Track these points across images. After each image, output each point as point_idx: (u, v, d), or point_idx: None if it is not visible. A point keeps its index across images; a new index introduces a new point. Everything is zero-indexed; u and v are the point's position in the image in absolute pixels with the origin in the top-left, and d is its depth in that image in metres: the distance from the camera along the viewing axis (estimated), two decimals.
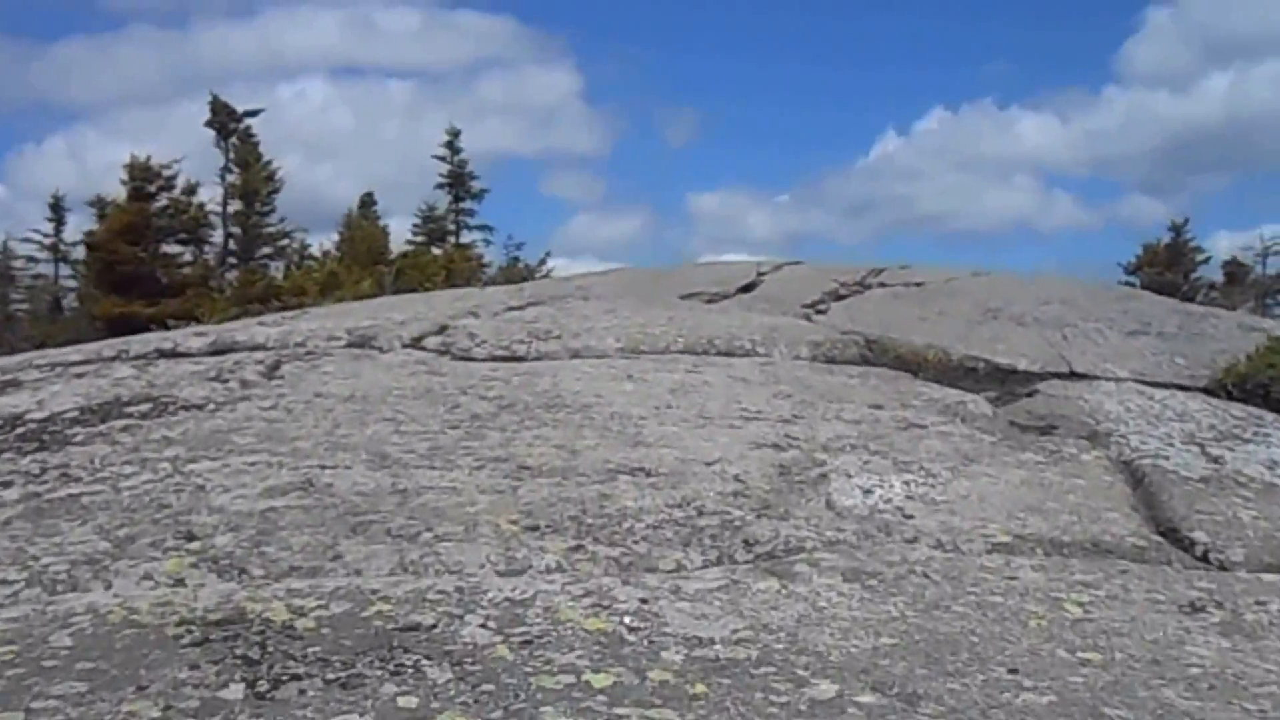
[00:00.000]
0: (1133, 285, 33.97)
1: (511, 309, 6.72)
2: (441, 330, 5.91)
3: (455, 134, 35.66)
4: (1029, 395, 5.09)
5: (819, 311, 6.85)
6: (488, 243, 35.35)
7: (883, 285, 8.06)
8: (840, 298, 7.66)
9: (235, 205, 22.96)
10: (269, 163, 23.57)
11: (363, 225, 24.06)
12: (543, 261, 32.58)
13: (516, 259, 33.60)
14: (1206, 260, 35.72)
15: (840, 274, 8.37)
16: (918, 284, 8.07)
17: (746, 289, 8.02)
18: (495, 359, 5.36)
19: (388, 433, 3.58)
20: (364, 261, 19.67)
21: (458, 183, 35.49)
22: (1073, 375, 5.47)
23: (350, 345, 5.70)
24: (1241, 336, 6.37)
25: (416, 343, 5.74)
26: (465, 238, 34.75)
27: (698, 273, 8.79)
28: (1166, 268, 33.67)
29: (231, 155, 22.33)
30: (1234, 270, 35.91)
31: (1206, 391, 5.30)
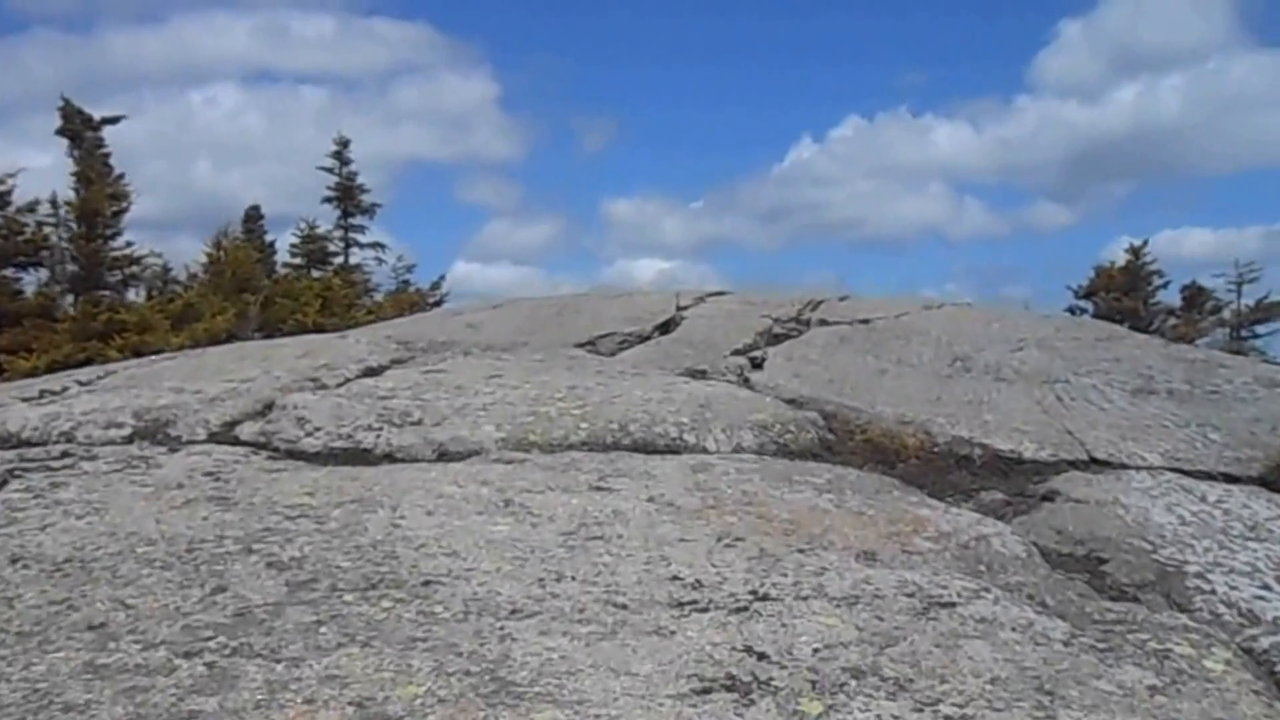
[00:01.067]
0: (1085, 311, 32.79)
1: (369, 371, 5.23)
2: (265, 411, 4.40)
3: (344, 143, 31.94)
4: (1046, 498, 3.84)
5: (756, 365, 5.54)
6: (380, 261, 32.08)
7: (824, 323, 6.81)
8: (777, 338, 6.39)
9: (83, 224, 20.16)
10: (120, 177, 20.58)
11: (236, 246, 21.47)
12: (436, 285, 30.05)
13: (407, 283, 31.37)
14: (1165, 285, 34.14)
15: (773, 307, 7.10)
16: (864, 321, 6.84)
17: (665, 328, 6.68)
18: (330, 457, 3.90)
19: (77, 665, 2.11)
20: (230, 289, 17.54)
21: (347, 196, 31.63)
22: (1093, 463, 4.25)
23: (135, 437, 4.17)
24: (1270, 396, 5.25)
25: (227, 431, 4.23)
26: (355, 257, 31.59)
27: (609, 307, 7.41)
28: (1125, 294, 32.75)
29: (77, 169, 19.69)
30: (1193, 295, 34.28)
31: (1264, 484, 4.13)
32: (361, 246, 31.67)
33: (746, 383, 5.17)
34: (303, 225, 30.86)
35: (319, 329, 13.70)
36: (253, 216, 31.09)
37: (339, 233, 31.34)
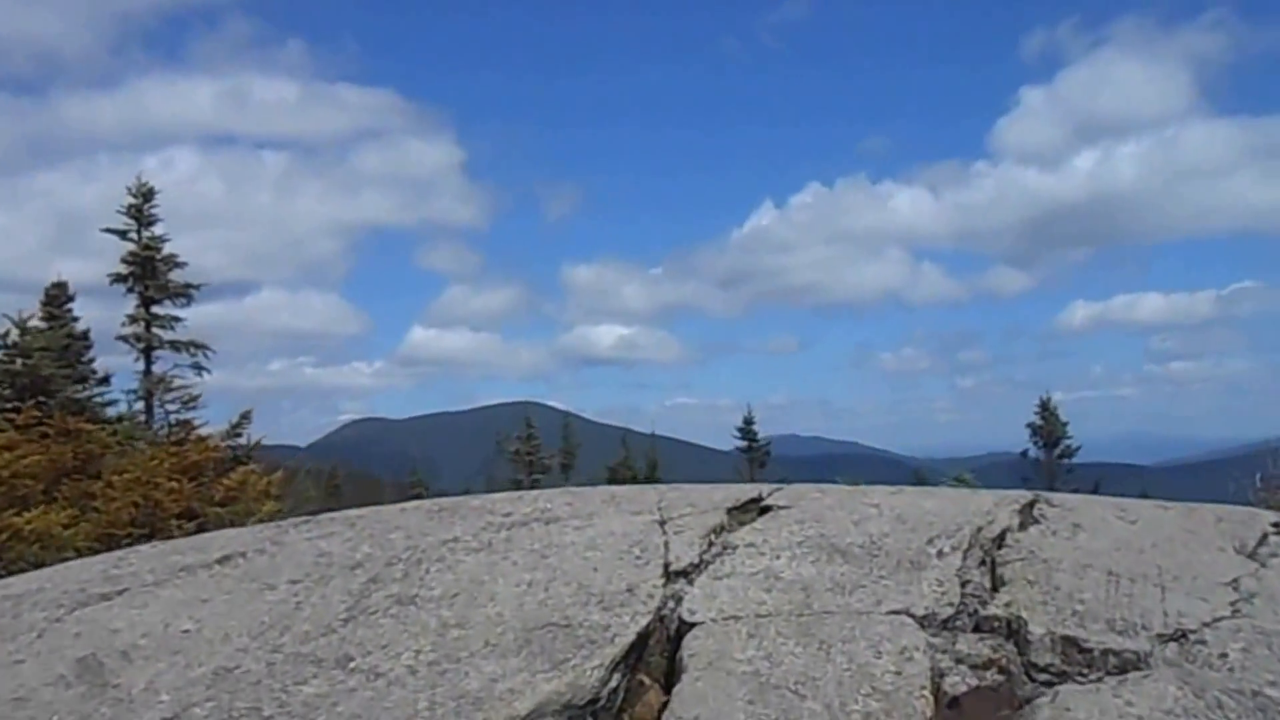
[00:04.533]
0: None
1: None
2: None
3: (146, 193, 21.25)
4: None
5: None
6: (200, 370, 20.45)
7: None
8: None
9: None
10: None
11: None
12: (237, 426, 15.68)
13: (187, 423, 17.94)
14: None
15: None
16: None
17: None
18: None
19: None
20: None
21: (148, 274, 20.73)
22: None
23: None
24: None
25: None
26: (164, 363, 20.25)
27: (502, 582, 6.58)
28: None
29: None
30: None
31: None
32: (169, 345, 20.66)
33: None
34: (10, 317, 17.61)
35: None
36: (55, 296, 19.84)
37: (135, 326, 20.66)
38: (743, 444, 41.88)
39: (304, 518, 5.61)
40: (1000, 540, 5.00)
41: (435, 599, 4.22)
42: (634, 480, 41.74)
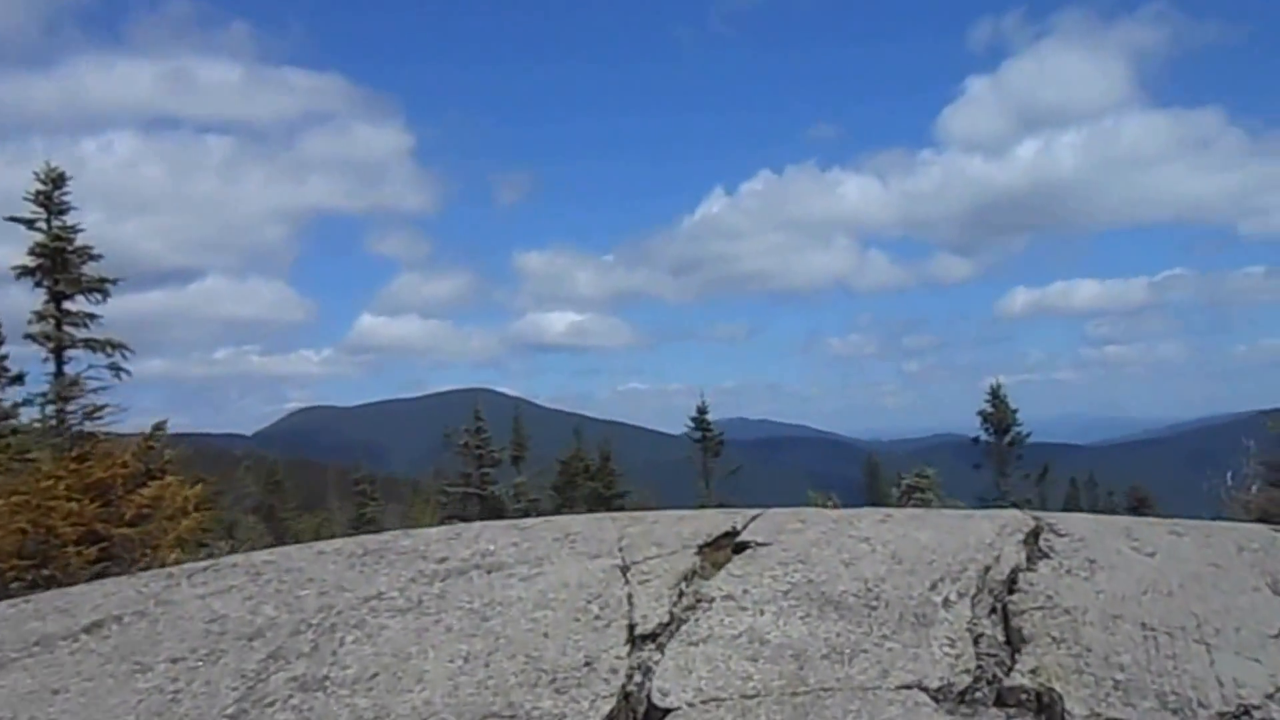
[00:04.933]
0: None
1: None
2: None
3: (56, 179, 19.30)
4: None
5: None
6: (117, 373, 18.52)
7: None
8: None
9: None
10: None
11: None
12: (155, 432, 13.06)
13: (83, 435, 16.48)
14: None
15: None
16: None
17: None
18: None
19: None
20: None
21: (58, 267, 18.76)
22: None
23: None
24: None
25: None
26: (77, 364, 18.50)
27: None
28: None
29: None
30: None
31: None
32: (81, 346, 18.63)
33: None
34: None
35: None
36: None
37: (44, 324, 18.54)
38: (696, 433, 41.16)
39: (204, 563, 4.80)
40: (1012, 582, 4.36)
41: (349, 682, 3.45)
42: (586, 473, 40.92)
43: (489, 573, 4.33)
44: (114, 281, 18.51)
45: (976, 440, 38.50)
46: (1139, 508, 46.45)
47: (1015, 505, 40.35)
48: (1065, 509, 48.74)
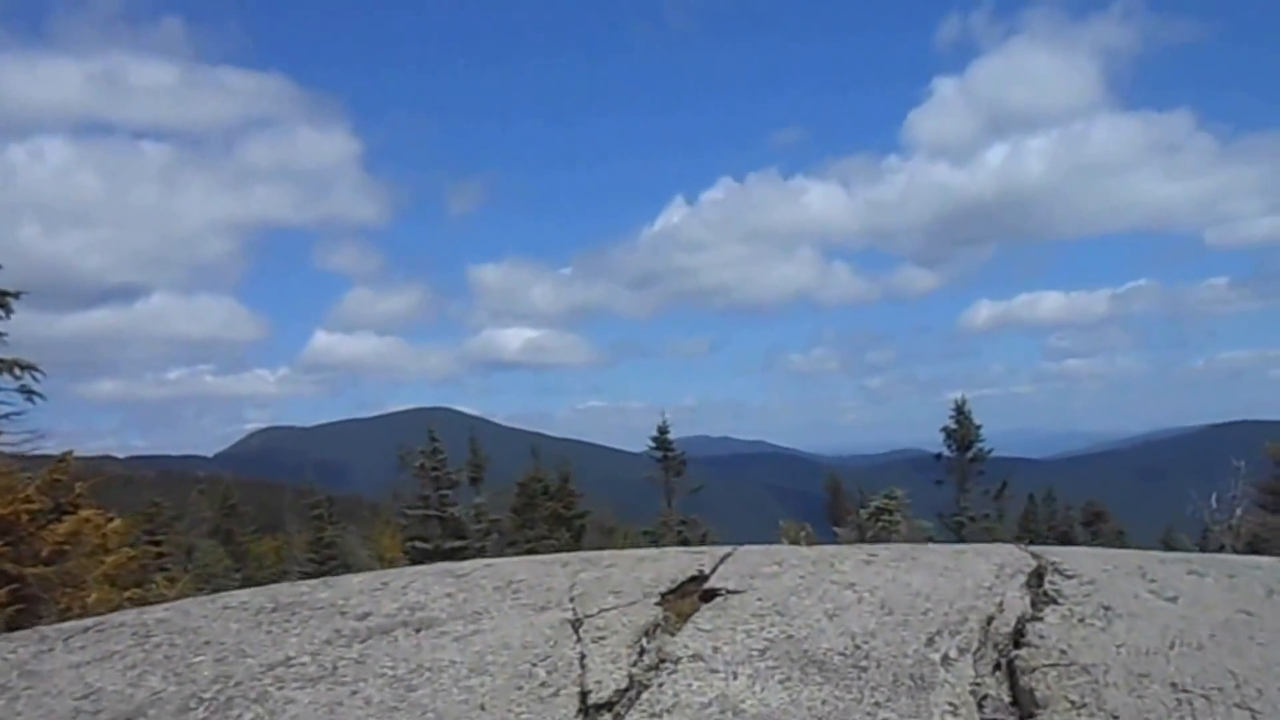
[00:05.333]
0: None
1: None
2: None
3: None
4: None
5: None
6: (30, 395, 13.19)
7: None
8: None
9: None
10: None
11: None
12: (61, 463, 11.42)
13: None
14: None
15: None
16: None
17: None
18: None
19: None
20: None
21: None
22: None
23: None
24: None
25: None
26: None
27: None
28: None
29: None
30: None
31: None
32: None
33: None
34: None
35: None
36: None
37: None
38: (658, 452, 40.57)
39: (88, 621, 4.15)
40: (1019, 634, 3.83)
41: None
42: (545, 494, 40.15)
43: (417, 631, 3.73)
44: (15, 295, 16.22)
45: (939, 456, 38.42)
46: (1094, 522, 47.14)
47: (974, 519, 35.54)
48: (1023, 523, 43.28)
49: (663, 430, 41.57)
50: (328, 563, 39.57)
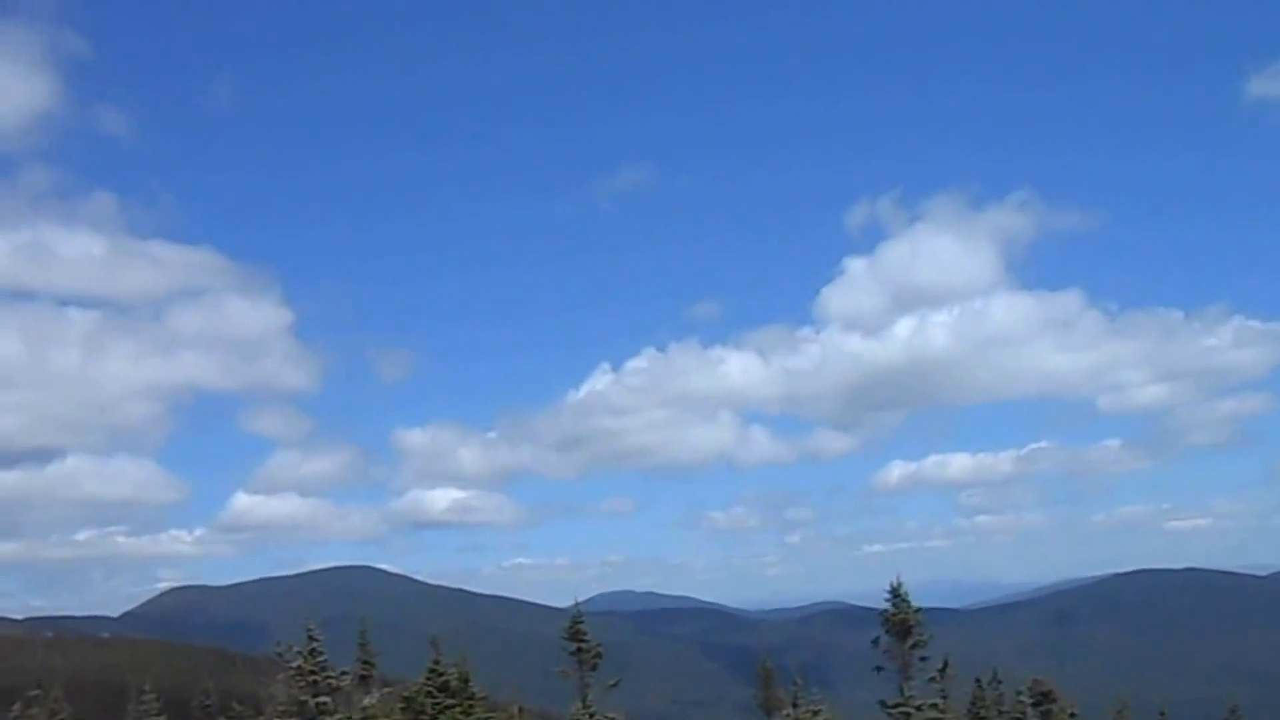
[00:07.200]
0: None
1: None
2: None
3: None
4: None
5: None
6: None
7: None
8: None
9: None
10: None
11: None
12: None
13: None
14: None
15: None
16: None
17: None
18: None
19: None
20: None
21: None
22: None
23: None
24: None
25: None
26: None
27: None
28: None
29: None
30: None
31: None
32: None
33: None
34: None
35: None
36: None
37: None
38: (570, 644, 37.04)
39: None
40: None
41: None
42: (445, 689, 34.86)
43: None
44: None
45: (875, 641, 36.65)
46: (1043, 702, 45.84)
47: (920, 709, 34.58)
48: (973, 709, 40.84)
49: (577, 621, 37.95)
50: None
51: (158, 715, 56.46)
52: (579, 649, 36.93)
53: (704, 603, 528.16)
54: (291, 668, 30.99)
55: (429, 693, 33.96)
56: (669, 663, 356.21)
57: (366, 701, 33.77)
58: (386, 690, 35.71)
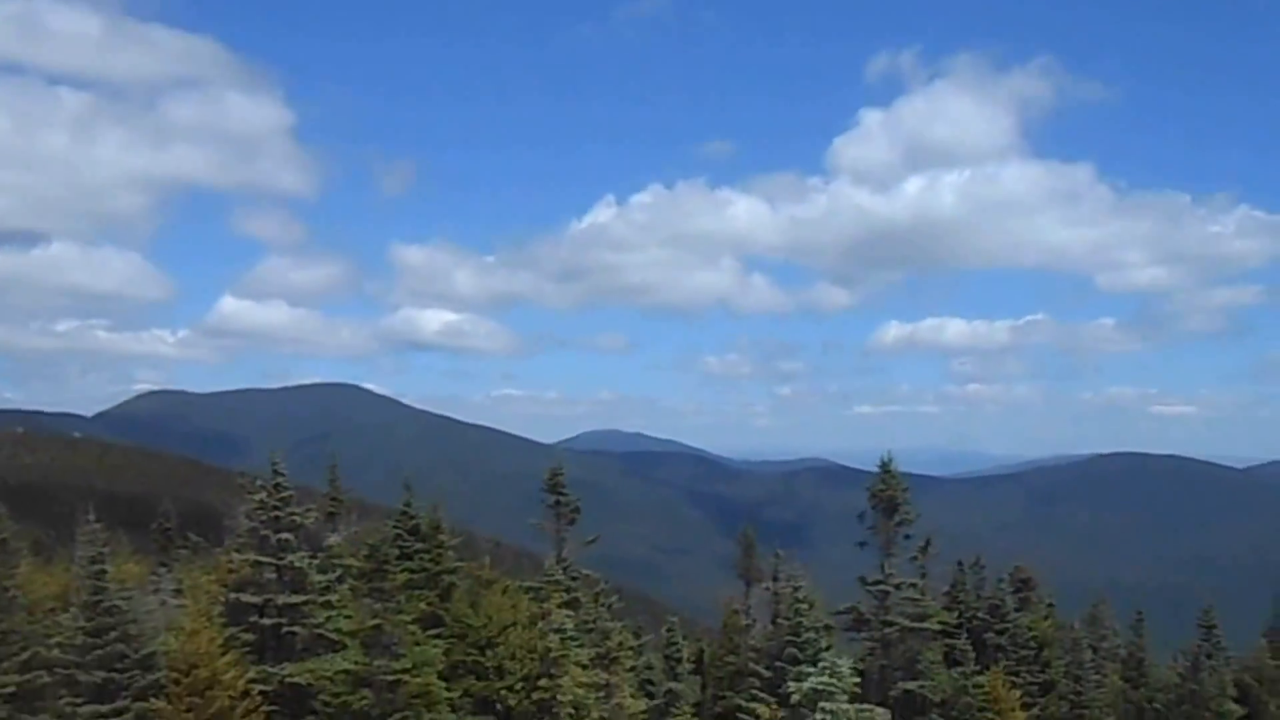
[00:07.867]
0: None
1: None
2: None
3: None
4: None
5: None
6: None
7: None
8: None
9: None
10: None
11: None
12: None
13: None
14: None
15: None
16: None
17: None
18: None
19: None
20: None
21: None
22: None
23: None
24: None
25: None
26: None
27: None
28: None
29: None
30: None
31: None
32: None
33: None
34: None
35: None
36: None
37: None
38: (550, 497, 35.99)
39: None
40: None
41: None
42: (415, 533, 33.52)
43: None
44: None
45: (861, 517, 36.24)
46: (1023, 589, 47.11)
47: (899, 587, 35.38)
48: (952, 593, 41.53)
49: (556, 473, 36.30)
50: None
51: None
52: (557, 502, 36.20)
53: (691, 448, 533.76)
54: (254, 500, 29.12)
55: (397, 536, 33.02)
56: (653, 507, 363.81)
57: (331, 540, 32.31)
58: (354, 531, 34.40)
